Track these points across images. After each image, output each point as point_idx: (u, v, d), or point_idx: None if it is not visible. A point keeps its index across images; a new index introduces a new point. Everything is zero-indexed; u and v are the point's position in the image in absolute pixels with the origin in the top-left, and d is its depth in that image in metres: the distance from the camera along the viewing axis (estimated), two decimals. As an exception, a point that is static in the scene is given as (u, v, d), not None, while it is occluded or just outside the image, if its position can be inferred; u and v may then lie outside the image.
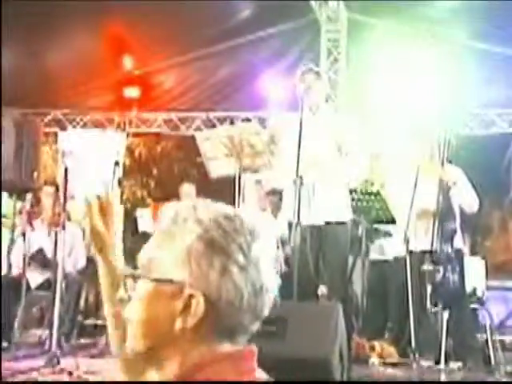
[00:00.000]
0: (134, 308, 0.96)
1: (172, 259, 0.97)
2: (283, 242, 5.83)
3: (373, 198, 4.41)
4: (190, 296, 0.94)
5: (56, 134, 7.99)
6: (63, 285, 4.02)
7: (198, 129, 8.05)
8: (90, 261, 5.13)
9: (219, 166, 5.70)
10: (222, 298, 0.95)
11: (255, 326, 1.00)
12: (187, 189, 6.49)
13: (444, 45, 6.43)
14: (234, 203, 5.66)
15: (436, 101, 6.51)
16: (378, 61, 6.72)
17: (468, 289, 4.49)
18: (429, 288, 4.00)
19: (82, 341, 5.00)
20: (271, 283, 1.03)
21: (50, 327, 3.88)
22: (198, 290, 0.94)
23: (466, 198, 4.31)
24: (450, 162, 4.22)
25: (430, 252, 4.04)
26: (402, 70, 6.69)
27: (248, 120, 7.79)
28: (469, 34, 6.28)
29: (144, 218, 6.18)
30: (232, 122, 7.89)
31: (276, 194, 6.37)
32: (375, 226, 4.63)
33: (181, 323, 0.94)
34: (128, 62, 7.13)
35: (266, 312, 1.01)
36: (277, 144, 4.12)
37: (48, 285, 4.67)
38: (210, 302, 0.94)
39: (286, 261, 5.49)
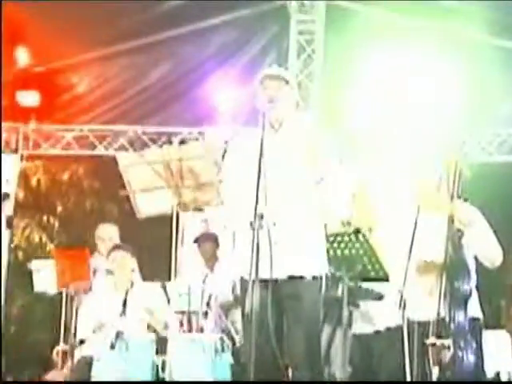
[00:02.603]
0: None
1: None
2: (228, 307, 5.80)
3: (358, 245, 4.43)
4: None
5: None
6: None
7: (122, 149, 8.03)
8: None
9: (151, 202, 5.67)
10: None
11: None
12: (106, 232, 6.40)
13: (453, 41, 6.62)
14: (170, 250, 5.64)
15: (443, 116, 6.68)
16: (365, 62, 6.87)
17: (489, 372, 4.53)
18: (435, 370, 4.02)
19: None
20: None
21: None
22: None
23: (484, 247, 4.38)
24: (463, 198, 4.32)
25: (437, 321, 4.08)
26: (396, 74, 6.85)
27: (190, 138, 7.83)
28: (484, 27, 6.49)
29: (42, 273, 6.07)
30: (169, 141, 7.90)
31: (208, 240, 6.38)
32: (361, 284, 4.67)
33: None
34: (23, 56, 7.09)
35: None
36: (228, 171, 4.13)
37: None
38: None
39: (236, 332, 5.46)
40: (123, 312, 5.33)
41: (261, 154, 3.62)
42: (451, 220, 4.19)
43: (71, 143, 8.22)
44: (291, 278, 3.81)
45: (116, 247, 5.71)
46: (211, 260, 6.36)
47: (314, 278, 3.86)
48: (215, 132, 7.71)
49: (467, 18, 6.44)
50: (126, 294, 5.44)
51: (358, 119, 7.09)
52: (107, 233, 6.40)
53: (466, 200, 4.29)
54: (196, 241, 6.47)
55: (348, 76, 7.14)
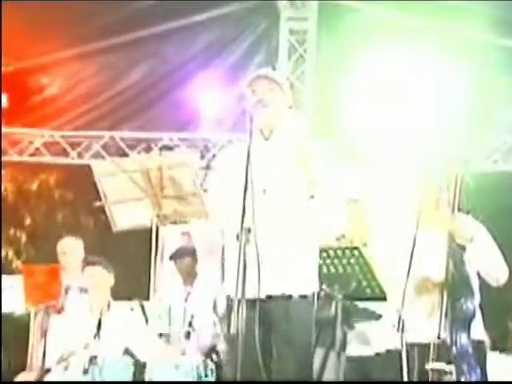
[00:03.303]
0: None
1: None
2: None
3: (352, 261, 4.45)
4: None
5: None
6: None
7: (98, 157, 8.03)
8: None
9: (128, 214, 5.67)
10: None
11: None
12: (69, 246, 6.37)
13: (455, 41, 6.67)
14: (149, 267, 5.64)
15: (444, 121, 6.72)
16: (362, 63, 6.91)
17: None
18: (435, 396, 4.05)
19: None
20: None
21: None
22: None
23: (487, 263, 4.41)
24: (465, 210, 4.35)
25: (438, 344, 4.10)
26: (395, 76, 6.90)
27: (171, 146, 7.84)
28: (488, 27, 6.54)
29: (9, 291, 6.06)
30: (149, 148, 7.91)
31: (186, 255, 6.38)
32: (356, 303, 4.69)
33: None
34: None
35: None
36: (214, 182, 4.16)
37: None
38: None
39: (218, 362, 5.44)
40: (97, 334, 5.32)
41: (248, 162, 3.63)
42: (452, 234, 4.22)
43: (41, 150, 8.21)
44: (280, 296, 3.83)
45: (91, 262, 5.69)
46: (190, 277, 6.35)
47: (305, 296, 3.87)
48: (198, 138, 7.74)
49: (470, 16, 6.50)
50: (101, 314, 5.43)
51: (354, 125, 7.12)
52: (70, 247, 6.38)
53: (468, 213, 4.32)
54: (172, 257, 6.46)
55: (343, 78, 7.17)
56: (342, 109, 7.09)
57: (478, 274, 4.43)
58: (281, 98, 4.04)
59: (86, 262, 5.74)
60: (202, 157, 7.73)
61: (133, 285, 6.27)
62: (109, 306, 5.54)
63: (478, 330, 4.36)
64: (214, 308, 5.64)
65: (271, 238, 3.81)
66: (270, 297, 3.79)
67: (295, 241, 3.91)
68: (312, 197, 3.87)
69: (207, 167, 6.67)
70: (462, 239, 4.24)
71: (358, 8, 7.15)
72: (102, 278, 5.55)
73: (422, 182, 4.61)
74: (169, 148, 7.72)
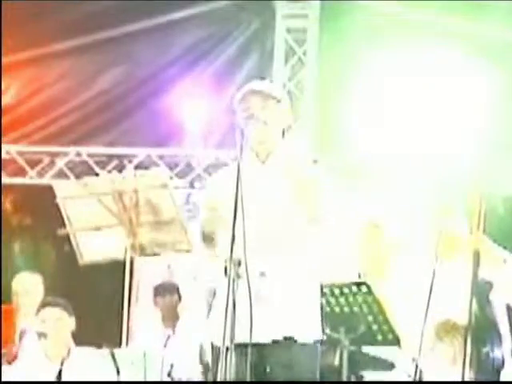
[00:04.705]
0: None
1: None
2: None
3: (360, 300, 4.46)
4: None
5: None
6: None
7: (61, 176, 8.01)
8: None
9: (97, 244, 5.66)
10: None
11: None
12: (24, 283, 6.34)
13: (479, 43, 6.70)
14: (121, 306, 5.61)
15: (466, 135, 6.74)
16: (369, 68, 6.94)
17: None
18: None
19: None
20: None
21: None
22: None
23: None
24: (493, 238, 4.36)
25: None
26: (409, 83, 6.92)
27: (148, 164, 7.83)
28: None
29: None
30: (121, 166, 7.90)
31: (168, 293, 6.35)
32: (365, 349, 4.68)
33: None
34: None
35: None
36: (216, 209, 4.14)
37: None
38: None
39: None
40: (58, 387, 5.30)
41: (238, 183, 3.64)
42: (477, 263, 4.20)
43: (-5, 168, 8.20)
44: (277, 342, 3.83)
45: (47, 303, 5.66)
46: (171, 318, 6.34)
47: (310, 341, 3.87)
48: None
49: (495, 13, 6.56)
50: (62, 364, 5.40)
51: (361, 140, 7.14)
52: (26, 284, 6.34)
53: (495, 241, 4.33)
54: (158, 292, 6.46)
55: (347, 85, 7.20)
56: (347, 121, 7.10)
57: (508, 308, 4.43)
58: (279, 115, 4.02)
59: (42, 303, 5.71)
60: (185, 176, 7.74)
61: (102, 328, 6.24)
62: (69, 353, 5.49)
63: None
64: (201, 355, 5.62)
65: (268, 273, 3.82)
66: (268, 342, 3.80)
67: (296, 278, 3.91)
68: (316, 226, 3.88)
69: (191, 187, 6.68)
70: (488, 272, 4.24)
71: (364, 4, 7.18)
72: (61, 321, 5.51)
73: (441, 207, 4.62)
74: (145, 166, 7.71)
